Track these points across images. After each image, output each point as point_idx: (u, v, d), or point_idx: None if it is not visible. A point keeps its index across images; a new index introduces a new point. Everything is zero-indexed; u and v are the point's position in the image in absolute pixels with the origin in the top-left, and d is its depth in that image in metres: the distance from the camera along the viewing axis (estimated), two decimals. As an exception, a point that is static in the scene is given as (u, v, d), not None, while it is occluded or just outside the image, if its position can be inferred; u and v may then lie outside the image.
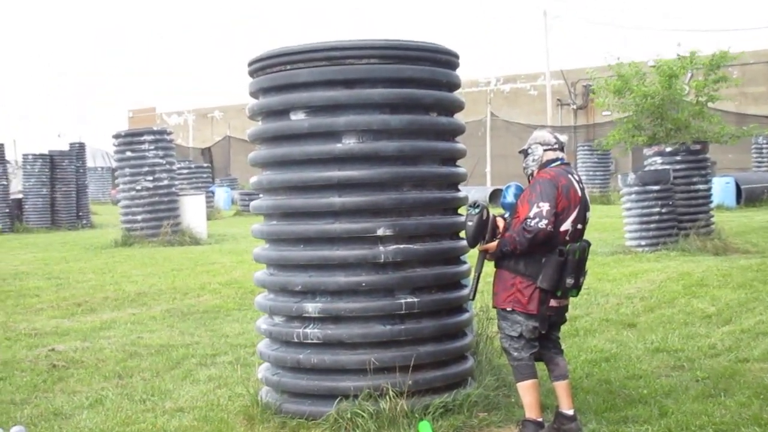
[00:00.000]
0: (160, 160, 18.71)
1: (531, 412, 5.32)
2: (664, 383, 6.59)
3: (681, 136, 14.59)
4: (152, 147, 18.68)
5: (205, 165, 36.40)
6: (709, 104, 15.06)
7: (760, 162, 28.76)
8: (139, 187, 18.59)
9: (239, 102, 58.52)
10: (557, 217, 5.18)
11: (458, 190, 5.98)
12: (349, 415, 5.36)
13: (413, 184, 5.62)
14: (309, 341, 5.55)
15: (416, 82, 5.65)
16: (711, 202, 15.33)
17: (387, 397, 5.38)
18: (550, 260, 5.17)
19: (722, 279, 11.36)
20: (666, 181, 14.14)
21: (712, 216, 15.39)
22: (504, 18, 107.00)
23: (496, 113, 39.14)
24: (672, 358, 7.39)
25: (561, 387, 5.42)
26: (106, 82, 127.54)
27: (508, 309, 5.33)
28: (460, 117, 6.13)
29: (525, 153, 5.51)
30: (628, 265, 13.09)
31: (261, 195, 5.98)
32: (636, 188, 14.35)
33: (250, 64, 5.89)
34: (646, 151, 14.89)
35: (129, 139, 18.93)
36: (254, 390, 6.21)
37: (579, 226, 5.33)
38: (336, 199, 5.48)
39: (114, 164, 56.83)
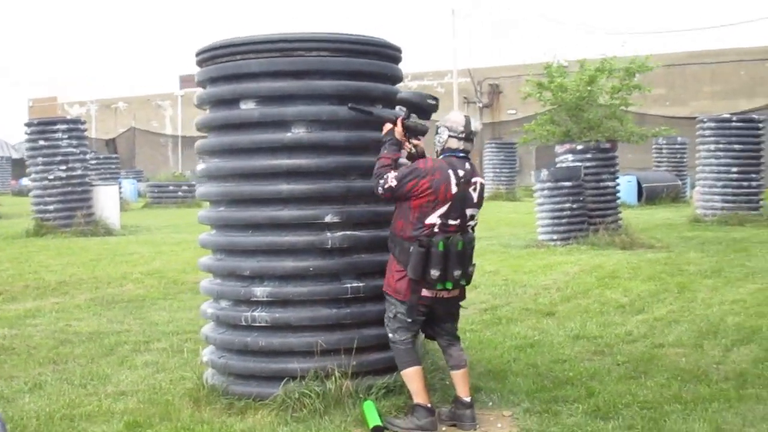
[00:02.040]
0: (74, 150, 18.48)
1: (418, 397, 5.41)
2: (587, 367, 6.92)
3: (593, 134, 15.15)
4: (65, 136, 18.43)
5: (113, 156, 35.86)
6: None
7: (659, 162, 29.82)
8: (51, 177, 18.33)
9: (144, 93, 57.85)
10: (418, 204, 5.32)
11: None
12: (296, 396, 5.53)
13: (359, 173, 5.82)
14: (257, 324, 5.70)
15: (364, 75, 5.86)
16: (618, 198, 15.96)
17: (333, 378, 5.57)
18: (414, 251, 5.28)
19: (632, 271, 11.90)
20: (577, 177, 14.67)
21: (620, 212, 16.02)
22: (412, 15, 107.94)
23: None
24: (592, 344, 7.75)
25: (457, 376, 5.57)
26: (4, 70, 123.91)
27: (387, 292, 5.53)
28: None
29: (437, 132, 5.55)
30: (542, 258, 13.56)
31: (205, 182, 6.07)
32: (549, 184, 14.84)
33: (198, 54, 6.01)
34: (558, 149, 15.41)
35: (42, 128, 18.64)
36: (197, 373, 6.35)
37: (452, 222, 5.36)
38: (284, 187, 5.64)
39: (14, 155, 55.25)
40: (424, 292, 5.42)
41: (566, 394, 6.15)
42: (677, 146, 29.41)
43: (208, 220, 6.02)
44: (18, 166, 54.98)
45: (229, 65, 5.74)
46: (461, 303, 5.70)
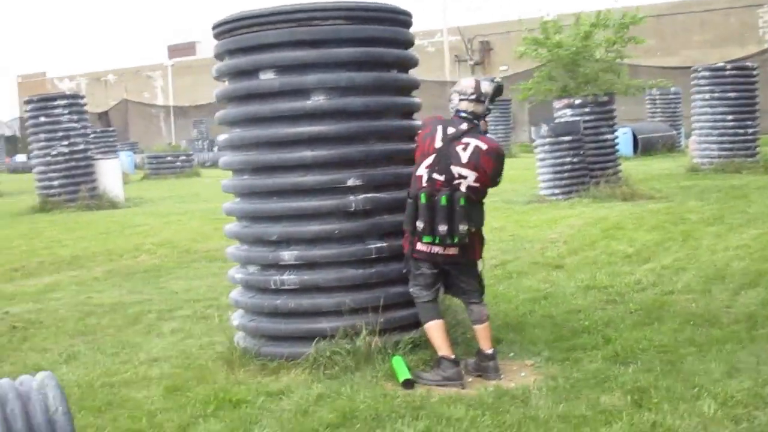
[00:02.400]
0: (75, 125, 18.60)
1: (442, 350, 5.62)
2: (601, 315, 7.13)
3: (590, 88, 15.29)
4: (66, 111, 18.55)
5: (110, 129, 35.91)
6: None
7: (653, 112, 29.98)
8: (54, 152, 18.45)
9: (134, 65, 57.70)
10: (416, 157, 5.68)
11: (415, 143, 6.37)
12: (328, 354, 5.75)
13: (379, 137, 6.00)
14: (286, 287, 5.90)
15: (379, 41, 6.02)
16: (618, 151, 16.16)
17: (362, 335, 5.79)
18: (407, 203, 5.60)
19: (636, 222, 12.12)
20: (577, 132, 14.84)
21: (620, 164, 16.22)
22: None
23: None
24: (603, 294, 7.96)
25: (478, 330, 5.78)
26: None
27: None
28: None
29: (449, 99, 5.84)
30: (546, 213, 13.77)
31: (229, 151, 6.23)
32: (549, 140, 15.02)
33: (215, 27, 6.15)
34: (556, 104, 15.56)
35: (42, 104, 18.74)
36: (228, 337, 6.57)
37: (437, 176, 5.55)
38: (308, 153, 5.82)
39: (7, 132, 55.06)
40: (419, 246, 5.65)
41: (584, 342, 6.35)
42: (671, 96, 29.57)
43: (233, 188, 6.20)
44: (11, 144, 54.96)
45: (247, 37, 5.89)
46: (478, 265, 5.88)
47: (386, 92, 6.08)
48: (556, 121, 15.54)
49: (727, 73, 19.17)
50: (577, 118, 15.14)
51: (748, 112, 19.05)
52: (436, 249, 5.61)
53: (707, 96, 19.08)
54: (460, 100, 5.70)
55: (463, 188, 5.55)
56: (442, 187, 5.53)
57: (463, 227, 5.52)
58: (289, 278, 5.89)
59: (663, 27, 38.67)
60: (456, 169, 5.56)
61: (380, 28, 6.00)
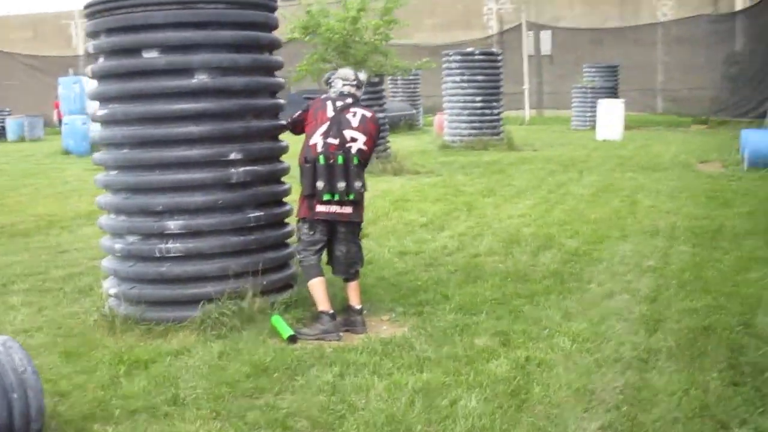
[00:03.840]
0: None
1: (321, 305, 6.32)
2: (429, 276, 7.95)
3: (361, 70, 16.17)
4: None
5: None
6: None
7: (395, 92, 31.60)
8: None
9: None
10: (307, 132, 6.40)
11: (280, 120, 6.91)
12: (215, 315, 6.19)
13: (255, 114, 6.51)
14: (171, 255, 6.26)
15: (255, 25, 6.50)
16: (387, 128, 17.21)
17: (246, 297, 6.28)
18: (304, 168, 6.28)
19: (419, 194, 13.17)
20: (352, 110, 15.66)
21: (389, 141, 17.30)
22: None
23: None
24: (419, 258, 8.80)
25: (349, 287, 6.54)
26: None
27: (297, 218, 6.49)
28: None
29: (328, 84, 6.68)
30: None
31: (110, 126, 6.45)
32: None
33: (90, 5, 6.35)
34: (331, 84, 16.31)
35: None
36: (97, 306, 6.81)
37: (331, 140, 6.25)
38: (194, 129, 6.20)
39: None
40: (319, 208, 6.29)
41: (427, 298, 7.15)
42: (411, 77, 31.25)
43: (113, 161, 6.42)
44: None
45: (131, 16, 6.15)
46: (361, 226, 6.57)
47: (261, 72, 6.58)
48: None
49: (476, 57, 20.82)
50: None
51: (494, 94, 20.82)
52: (334, 207, 6.27)
53: (458, 78, 20.62)
54: (344, 84, 6.54)
55: (354, 150, 6.30)
56: (337, 150, 6.24)
57: (358, 184, 6.28)
58: (174, 246, 6.25)
59: (398, 10, 40.48)
60: (348, 133, 6.33)
61: (257, 13, 6.49)
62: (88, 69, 6.52)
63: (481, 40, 39.74)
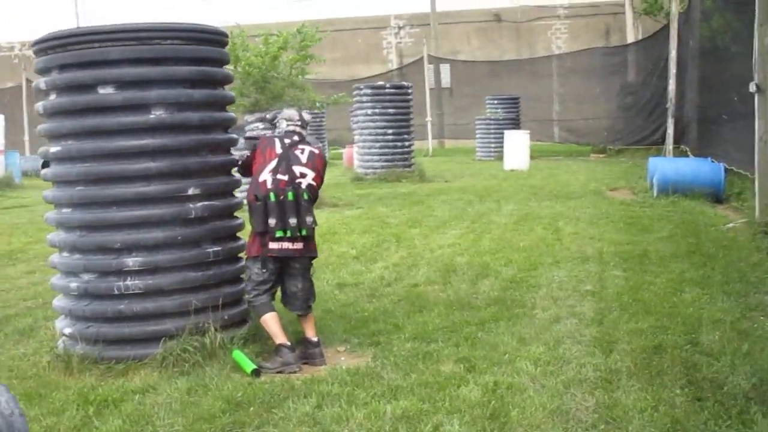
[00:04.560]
0: None
1: (279, 338, 6.36)
2: (375, 307, 8.02)
3: (278, 104, 16.23)
4: None
5: None
6: (307, 76, 17.00)
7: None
8: None
9: None
10: (255, 170, 6.44)
11: (232, 155, 6.94)
12: (177, 352, 6.15)
13: (210, 149, 6.53)
14: (130, 292, 6.19)
15: (209, 60, 6.53)
16: (304, 162, 17.24)
17: (207, 333, 6.26)
18: (252, 207, 6.35)
19: (345, 227, 13.24)
20: (271, 144, 15.70)
21: (306, 174, 17.32)
22: None
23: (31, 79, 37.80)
24: (359, 290, 8.86)
25: (304, 320, 6.57)
26: None
27: (245, 258, 6.57)
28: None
29: (272, 124, 6.90)
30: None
31: (64, 163, 6.36)
32: (246, 152, 15.69)
33: (40, 42, 6.28)
34: (248, 118, 16.33)
35: None
36: (49, 346, 6.67)
37: (281, 176, 6.30)
38: (151, 164, 6.17)
39: None
40: (271, 245, 6.33)
41: (380, 328, 7.23)
42: (315, 111, 31.40)
43: (66, 199, 6.33)
44: None
45: (87, 52, 6.10)
46: (312, 261, 6.62)
47: (216, 108, 6.61)
48: (248, 134, 16.29)
49: (387, 91, 21.09)
50: (268, 132, 16.00)
51: (405, 126, 21.11)
52: (287, 244, 6.32)
53: (369, 112, 20.85)
54: (288, 124, 6.70)
55: (304, 185, 6.38)
56: (287, 186, 6.32)
57: (309, 219, 6.37)
58: (134, 283, 6.19)
59: (299, 45, 40.68)
60: (297, 169, 6.41)
61: (211, 49, 6.52)
62: (39, 105, 6.43)
63: (382, 74, 40.29)
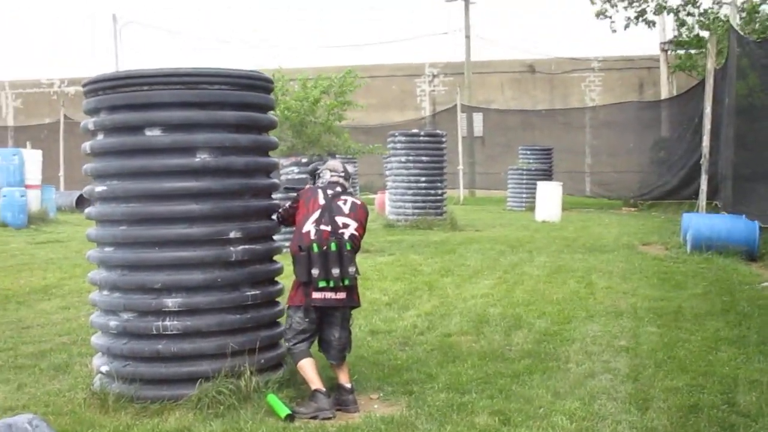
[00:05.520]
0: None
1: (314, 384, 6.37)
2: (408, 356, 8.03)
3: (314, 149, 16.42)
4: None
5: None
6: (343, 122, 17.17)
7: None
8: None
9: None
10: (298, 221, 6.55)
11: (273, 199, 7.02)
12: (212, 394, 6.17)
13: (253, 193, 6.62)
14: (169, 333, 6.25)
15: (254, 106, 6.64)
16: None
17: (243, 376, 6.28)
18: (296, 257, 6.42)
19: (377, 273, 13.25)
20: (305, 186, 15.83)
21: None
22: (72, 19, 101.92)
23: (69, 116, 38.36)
24: (392, 338, 8.87)
25: (338, 367, 6.59)
26: None
27: (287, 306, 6.63)
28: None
29: (316, 175, 6.99)
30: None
31: (109, 202, 6.45)
32: (279, 195, 15.83)
33: (91, 83, 6.42)
34: (284, 161, 16.48)
35: None
36: (85, 384, 6.73)
37: (324, 227, 6.39)
38: (195, 207, 6.26)
39: None
40: (314, 295, 6.39)
41: (413, 378, 7.23)
42: (348, 158, 31.61)
43: (110, 238, 6.42)
44: None
45: (136, 95, 6.23)
46: (351, 312, 6.67)
47: (259, 153, 6.70)
48: (283, 177, 16.44)
49: (421, 138, 21.23)
50: (303, 176, 16.15)
51: (438, 174, 21.19)
52: (329, 294, 6.38)
53: (403, 159, 20.96)
54: (332, 175, 6.81)
55: (346, 236, 6.44)
56: (330, 236, 6.38)
57: (352, 269, 6.41)
58: (172, 323, 6.25)
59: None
60: (340, 219, 6.49)
61: (257, 95, 6.62)
62: (86, 145, 6.55)
63: (415, 121, 40.56)
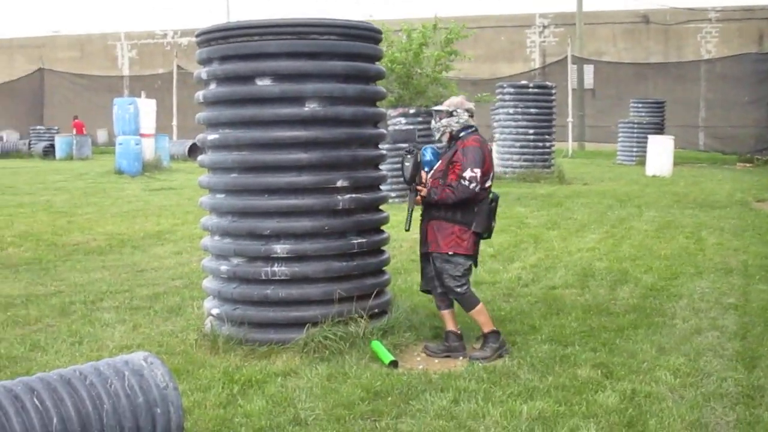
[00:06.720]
0: None
1: (487, 326, 6.52)
2: (511, 307, 8.05)
3: (421, 100, 16.42)
4: None
5: None
6: (450, 72, 17.10)
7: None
8: None
9: None
10: (484, 177, 6.35)
11: (380, 149, 7.07)
12: (319, 339, 6.32)
13: (360, 143, 6.68)
14: (277, 278, 6.41)
15: (363, 56, 6.67)
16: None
17: (350, 322, 6.42)
18: (482, 208, 6.39)
19: (482, 225, 13.23)
20: (412, 139, 15.86)
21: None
22: None
23: (182, 66, 39.17)
24: (496, 289, 8.88)
25: (451, 314, 6.68)
26: None
27: (450, 253, 6.47)
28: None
29: (448, 114, 6.51)
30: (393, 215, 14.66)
31: (220, 150, 6.61)
32: (387, 146, 15.93)
33: (203, 33, 6.55)
34: (391, 113, 16.54)
35: None
36: (196, 326, 6.97)
37: (489, 183, 6.43)
38: (303, 156, 6.37)
39: None
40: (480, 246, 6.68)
41: (516, 329, 7.25)
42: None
43: (222, 185, 6.59)
44: None
45: (247, 44, 6.34)
46: None
47: (367, 103, 6.75)
48: (390, 128, 16.51)
49: (530, 90, 20.98)
50: (411, 127, 16.19)
51: (547, 127, 20.95)
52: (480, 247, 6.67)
53: (511, 111, 20.78)
54: (469, 116, 6.57)
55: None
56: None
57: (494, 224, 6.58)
58: (281, 269, 6.40)
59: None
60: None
61: (366, 45, 6.65)
62: (199, 94, 6.71)
63: (524, 73, 40.00)
